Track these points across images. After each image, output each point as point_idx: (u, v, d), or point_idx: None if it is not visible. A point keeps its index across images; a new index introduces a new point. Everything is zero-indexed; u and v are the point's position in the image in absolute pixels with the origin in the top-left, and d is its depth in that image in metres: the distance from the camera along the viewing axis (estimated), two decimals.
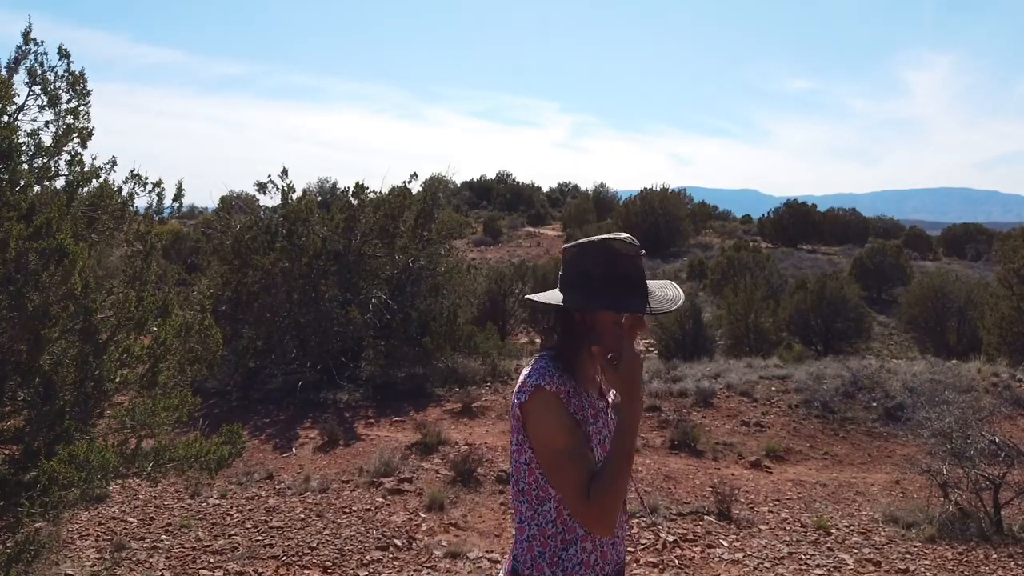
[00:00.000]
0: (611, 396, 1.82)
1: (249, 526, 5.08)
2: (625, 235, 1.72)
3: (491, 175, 41.16)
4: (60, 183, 3.74)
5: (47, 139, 3.72)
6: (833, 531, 5.17)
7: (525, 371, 1.72)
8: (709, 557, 4.69)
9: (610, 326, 1.68)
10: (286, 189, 9.83)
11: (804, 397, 8.56)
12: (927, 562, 4.65)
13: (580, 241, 1.75)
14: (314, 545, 4.76)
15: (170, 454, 3.65)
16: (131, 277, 3.80)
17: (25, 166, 3.59)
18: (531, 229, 31.88)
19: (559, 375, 1.67)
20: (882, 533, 5.14)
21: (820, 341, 15.45)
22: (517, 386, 1.71)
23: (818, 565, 4.59)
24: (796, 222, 30.39)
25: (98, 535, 4.86)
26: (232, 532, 4.96)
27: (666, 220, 27.45)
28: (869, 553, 4.78)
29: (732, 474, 6.68)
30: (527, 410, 1.65)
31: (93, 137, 3.82)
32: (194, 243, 18.11)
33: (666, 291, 1.74)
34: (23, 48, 3.71)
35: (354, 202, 9.88)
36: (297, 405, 8.45)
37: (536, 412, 1.64)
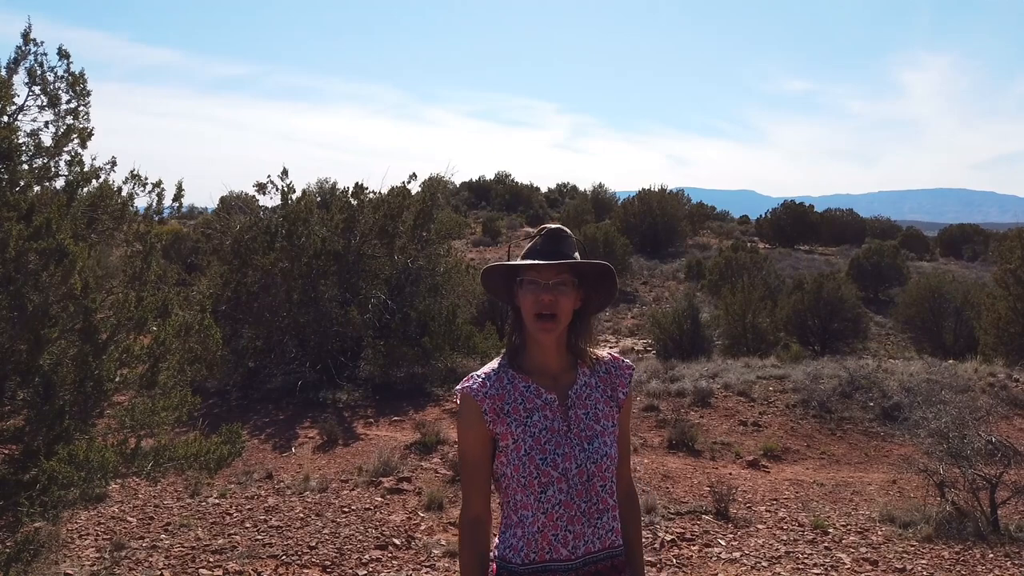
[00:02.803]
0: (573, 393, 1.82)
1: (248, 525, 5.08)
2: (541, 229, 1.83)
3: (490, 176, 41.07)
4: (60, 183, 3.75)
5: (47, 139, 3.73)
6: (830, 530, 5.18)
7: None
8: (707, 556, 4.71)
9: (523, 301, 1.77)
10: (286, 189, 9.84)
11: (801, 397, 8.58)
12: (924, 561, 4.67)
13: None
14: (313, 544, 4.77)
15: (170, 453, 3.67)
16: (131, 277, 3.81)
17: (25, 166, 3.60)
18: (530, 230, 31.88)
19: (490, 375, 1.81)
20: (879, 532, 5.16)
21: (817, 341, 15.47)
22: None
23: (815, 564, 4.60)
24: (793, 223, 30.41)
25: (97, 534, 4.87)
26: (231, 531, 4.96)
27: (664, 221, 27.45)
28: (866, 552, 4.80)
29: (730, 473, 6.70)
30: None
31: (93, 137, 3.83)
32: (194, 243, 18.09)
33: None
34: (23, 48, 3.71)
35: (353, 202, 9.90)
36: (296, 405, 8.46)
37: (458, 415, 1.82)
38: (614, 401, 1.86)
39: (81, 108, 3.82)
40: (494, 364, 1.84)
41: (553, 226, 1.83)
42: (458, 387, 1.82)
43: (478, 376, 1.81)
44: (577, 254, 1.81)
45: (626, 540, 1.87)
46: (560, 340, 1.80)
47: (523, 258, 1.79)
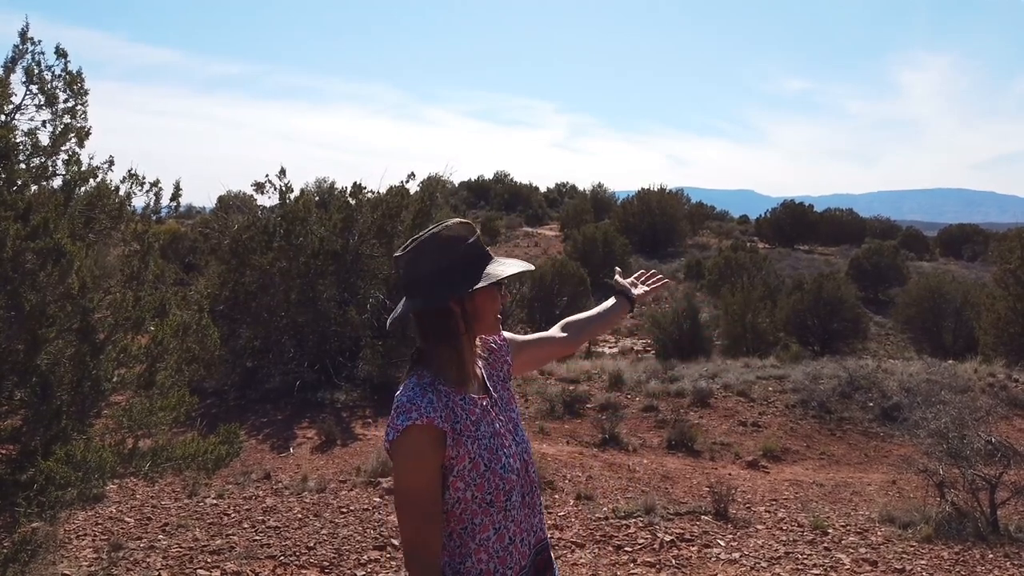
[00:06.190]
0: (491, 390, 1.77)
1: (246, 526, 5.07)
2: (452, 220, 1.71)
3: (489, 175, 41.10)
4: (57, 183, 3.73)
5: (44, 139, 3.71)
6: (830, 531, 5.18)
7: (399, 394, 1.65)
8: (706, 557, 4.70)
9: (489, 304, 1.69)
10: (284, 189, 9.83)
11: (801, 397, 8.58)
12: (923, 562, 4.66)
13: (414, 242, 1.67)
14: (311, 545, 4.76)
15: (167, 454, 3.65)
16: (128, 277, 3.80)
17: (22, 165, 3.58)
18: (529, 229, 31.88)
19: (432, 397, 1.62)
20: (879, 533, 5.15)
21: (817, 341, 15.48)
22: (390, 417, 1.62)
23: (815, 565, 4.60)
24: (793, 223, 30.43)
25: (95, 535, 4.86)
26: (229, 532, 4.95)
27: (663, 220, 27.48)
28: (866, 553, 4.79)
29: (729, 474, 6.70)
30: (393, 450, 1.60)
31: (90, 136, 3.82)
32: (192, 243, 18.08)
33: (507, 262, 1.73)
34: (20, 47, 3.70)
35: (352, 202, 9.88)
36: (295, 405, 8.45)
37: (401, 453, 1.59)
38: (507, 380, 1.85)
39: (79, 107, 3.80)
40: (418, 384, 1.65)
41: (471, 222, 1.75)
42: (407, 422, 1.57)
43: (422, 403, 1.60)
44: None
45: (588, 318, 2.12)
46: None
47: (485, 261, 1.70)
